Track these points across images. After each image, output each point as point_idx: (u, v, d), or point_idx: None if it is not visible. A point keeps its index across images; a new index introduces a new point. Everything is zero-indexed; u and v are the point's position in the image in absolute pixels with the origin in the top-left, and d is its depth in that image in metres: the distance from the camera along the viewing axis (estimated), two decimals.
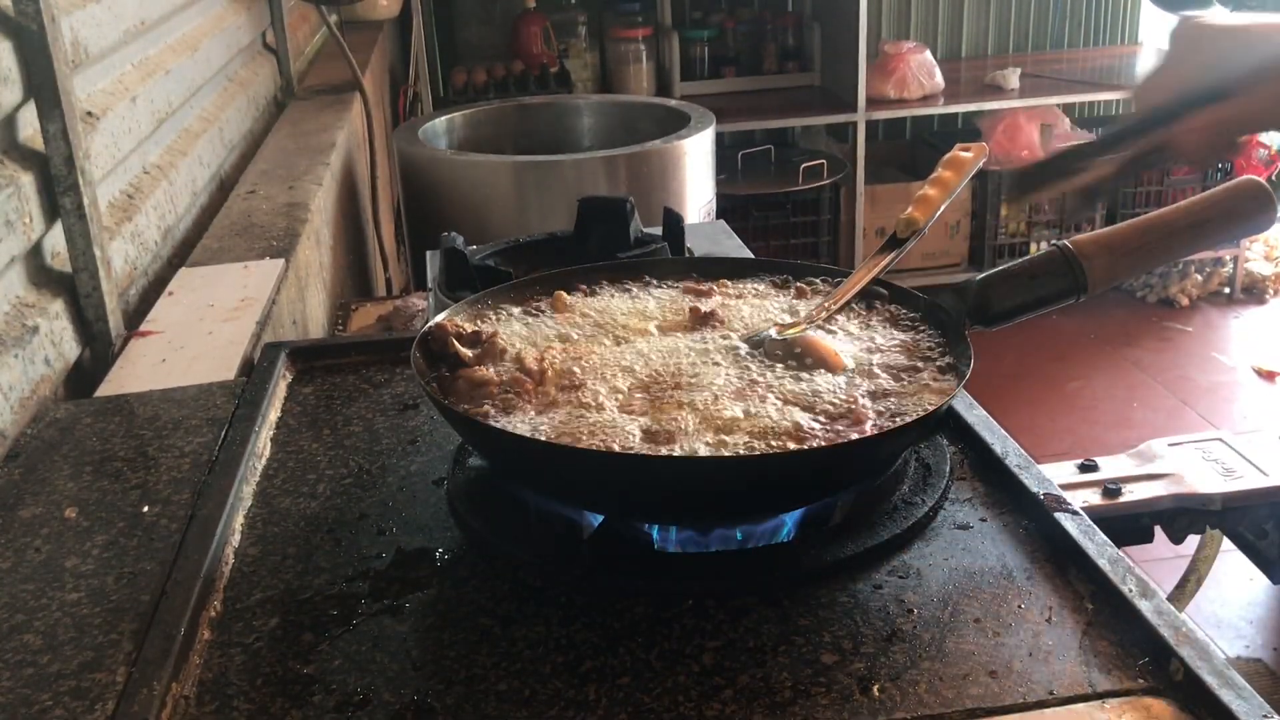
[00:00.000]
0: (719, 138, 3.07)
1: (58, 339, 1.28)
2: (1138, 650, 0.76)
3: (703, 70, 4.64)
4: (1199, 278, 4.62)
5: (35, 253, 1.31)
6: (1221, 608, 2.79)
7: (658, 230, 1.53)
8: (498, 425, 0.89)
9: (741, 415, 0.87)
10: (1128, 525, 1.03)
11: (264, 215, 1.92)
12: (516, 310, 1.09)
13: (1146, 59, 4.48)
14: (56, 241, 1.35)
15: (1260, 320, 4.49)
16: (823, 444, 0.84)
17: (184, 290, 1.58)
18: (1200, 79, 0.97)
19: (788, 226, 4.43)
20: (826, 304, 1.03)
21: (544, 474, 0.89)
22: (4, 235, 1.20)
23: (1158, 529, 1.06)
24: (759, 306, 1.08)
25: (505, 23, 4.53)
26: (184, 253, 1.78)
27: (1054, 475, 0.97)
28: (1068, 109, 4.76)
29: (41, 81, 1.28)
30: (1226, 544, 1.43)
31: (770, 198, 4.34)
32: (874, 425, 0.87)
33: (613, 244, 1.45)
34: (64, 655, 0.81)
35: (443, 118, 2.70)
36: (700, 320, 1.04)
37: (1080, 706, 0.72)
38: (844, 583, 0.85)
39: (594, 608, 0.83)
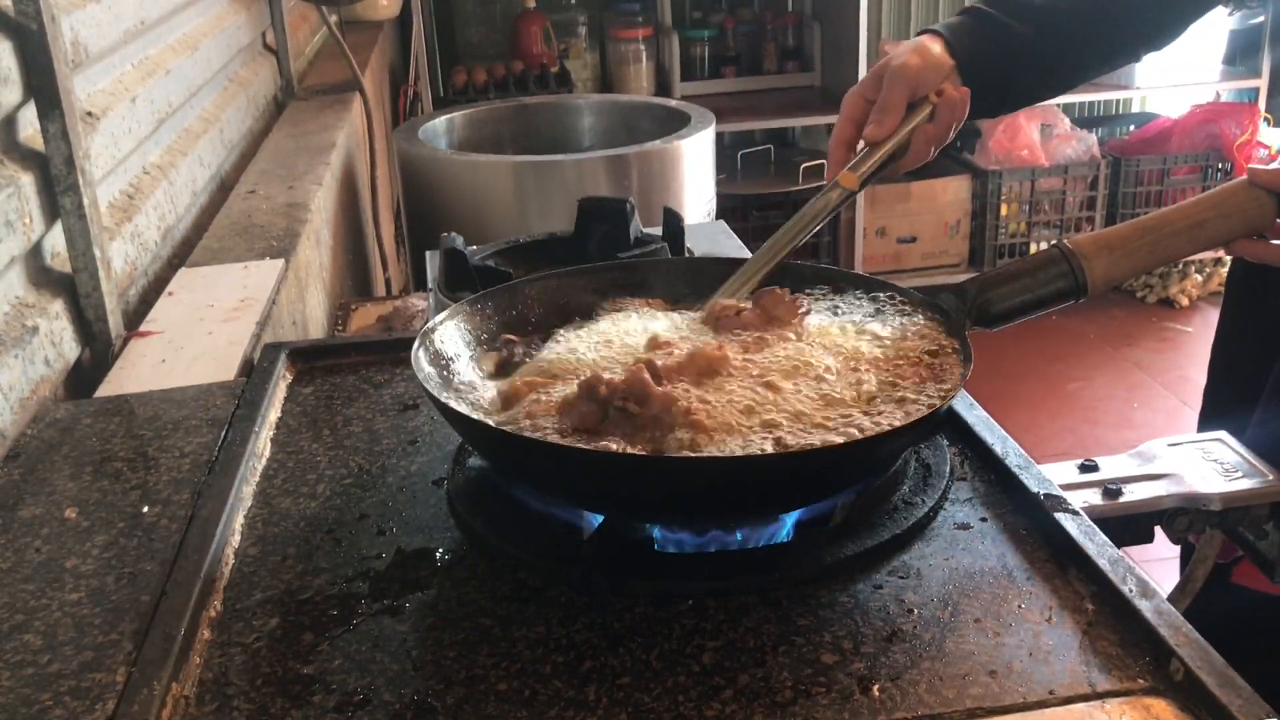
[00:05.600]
0: (719, 138, 3.07)
1: (58, 339, 1.28)
2: (1138, 650, 0.76)
3: (703, 70, 4.64)
4: (1199, 278, 4.62)
5: (35, 253, 1.31)
6: None
7: (658, 230, 1.53)
8: (496, 425, 0.89)
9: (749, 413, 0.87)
10: (1128, 525, 1.03)
11: (264, 215, 1.92)
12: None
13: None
14: (56, 241, 1.35)
15: None
16: (822, 444, 0.84)
17: (184, 290, 1.58)
18: (859, 109, 1.18)
19: None
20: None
21: (544, 474, 0.89)
22: (4, 235, 1.20)
23: (1158, 529, 1.06)
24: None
25: (505, 23, 4.53)
26: (184, 253, 1.78)
27: (1054, 475, 0.96)
28: (1068, 109, 4.76)
29: (41, 81, 1.28)
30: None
31: (770, 198, 4.35)
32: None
33: (613, 244, 1.45)
34: (64, 655, 0.81)
35: (443, 118, 2.70)
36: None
37: (1080, 706, 0.72)
38: (844, 583, 0.85)
39: (594, 608, 0.83)
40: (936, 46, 1.19)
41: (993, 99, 1.24)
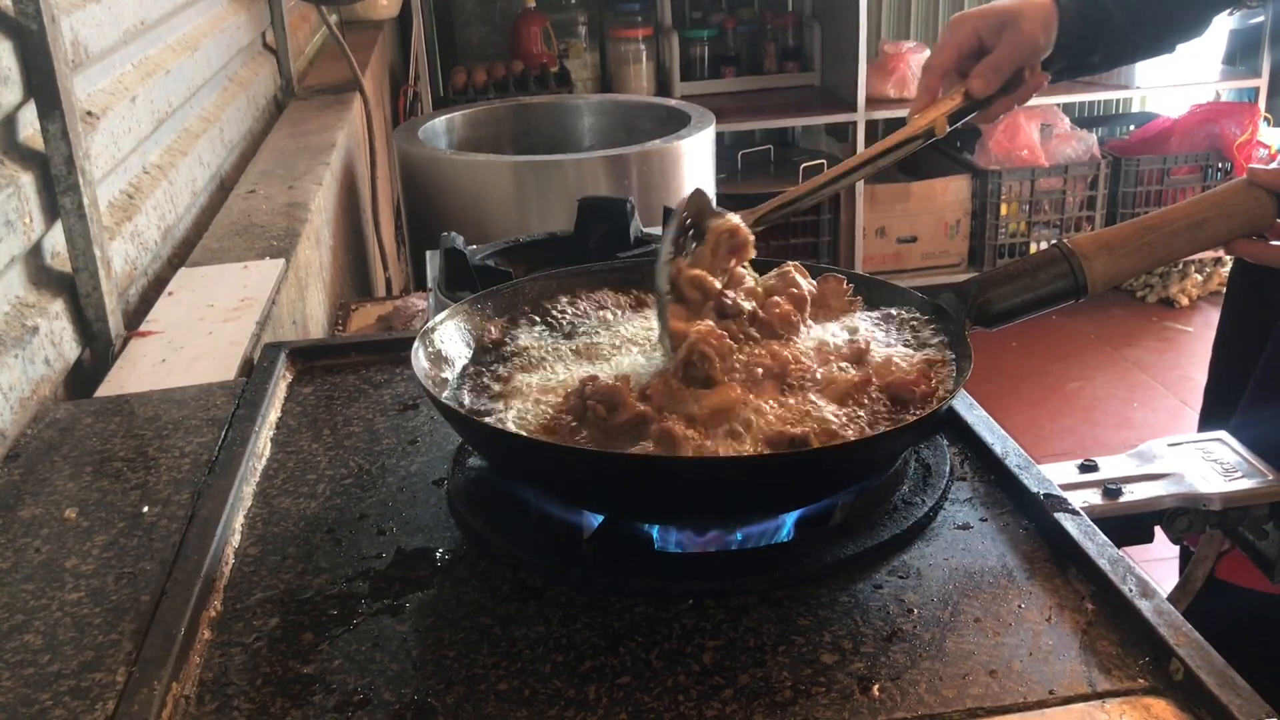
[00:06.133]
0: (719, 138, 3.08)
1: (58, 339, 1.28)
2: (1138, 650, 0.76)
3: (703, 70, 4.64)
4: (1199, 278, 4.62)
5: (35, 253, 1.31)
6: None
7: (658, 230, 1.53)
8: (497, 425, 0.89)
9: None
10: (1128, 525, 1.03)
11: (264, 215, 1.92)
12: None
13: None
14: (56, 241, 1.35)
15: None
16: (823, 444, 0.84)
17: (184, 290, 1.58)
18: (970, 43, 1.20)
19: (788, 226, 4.43)
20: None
21: (544, 474, 0.89)
22: (4, 235, 1.20)
23: (1158, 529, 1.06)
24: None
25: (505, 23, 4.53)
26: (184, 253, 1.78)
27: (1054, 475, 0.96)
28: (1068, 108, 4.76)
29: (41, 81, 1.28)
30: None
31: (770, 198, 4.33)
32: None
33: (613, 244, 1.45)
34: (64, 655, 0.81)
35: (443, 118, 2.70)
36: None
37: (1080, 706, 0.72)
38: (844, 582, 0.85)
39: (594, 608, 0.83)
40: (1054, 20, 1.21)
41: (1055, 67, 1.27)
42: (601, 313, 1.09)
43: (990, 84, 1.18)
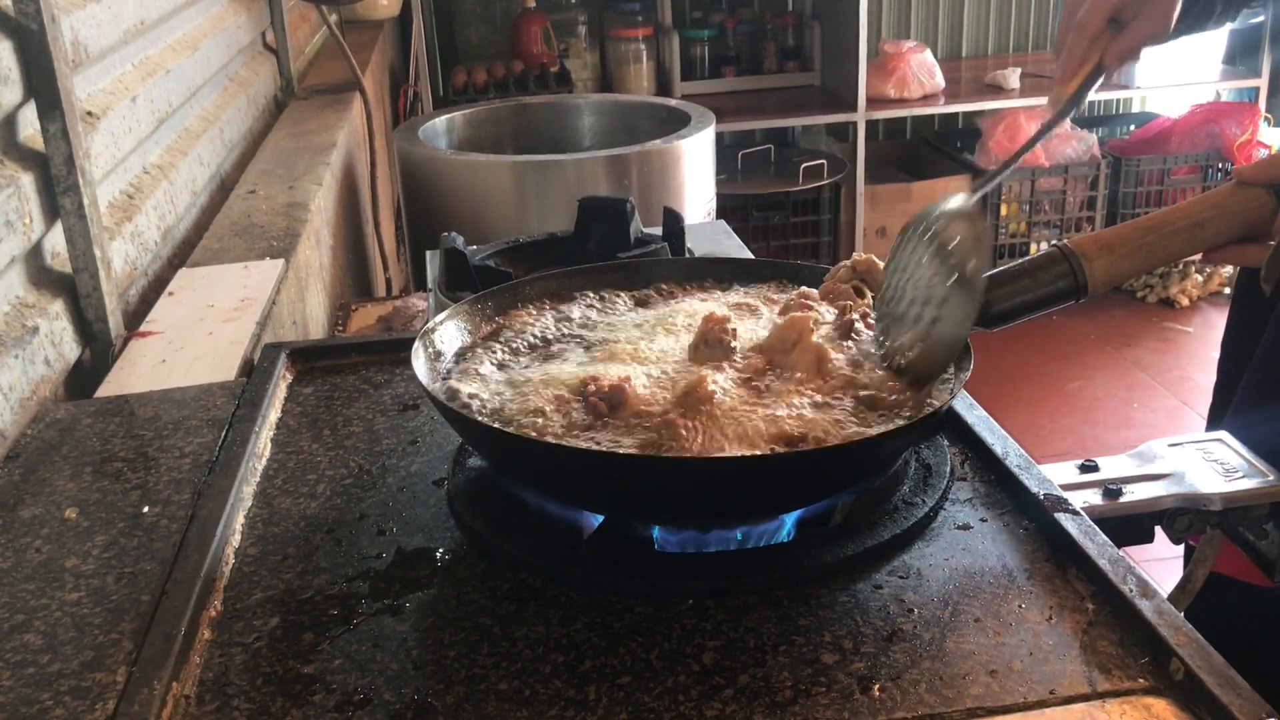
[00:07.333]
0: (719, 138, 3.08)
1: (58, 339, 1.28)
2: (1138, 650, 0.76)
3: (703, 70, 4.65)
4: (1199, 278, 4.62)
5: (35, 253, 1.31)
6: None
7: (658, 230, 1.53)
8: (496, 426, 0.89)
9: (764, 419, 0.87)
10: (1128, 525, 1.03)
11: (264, 215, 1.92)
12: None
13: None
14: (56, 242, 1.35)
15: None
16: (822, 445, 0.84)
17: (184, 290, 1.58)
18: (1116, 9, 1.19)
19: (788, 226, 4.43)
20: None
21: (544, 474, 0.89)
22: (4, 235, 1.20)
23: (1158, 529, 1.06)
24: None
25: (505, 23, 4.54)
26: (184, 253, 1.78)
27: (1054, 475, 0.96)
28: None
29: (41, 81, 1.28)
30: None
31: (770, 198, 4.35)
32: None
33: (613, 244, 1.45)
34: (64, 655, 0.81)
35: (443, 117, 2.70)
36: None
37: (1080, 706, 0.72)
38: (844, 582, 0.85)
39: (594, 608, 0.83)
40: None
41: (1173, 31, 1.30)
42: (602, 311, 1.09)
43: (1124, 60, 1.21)
